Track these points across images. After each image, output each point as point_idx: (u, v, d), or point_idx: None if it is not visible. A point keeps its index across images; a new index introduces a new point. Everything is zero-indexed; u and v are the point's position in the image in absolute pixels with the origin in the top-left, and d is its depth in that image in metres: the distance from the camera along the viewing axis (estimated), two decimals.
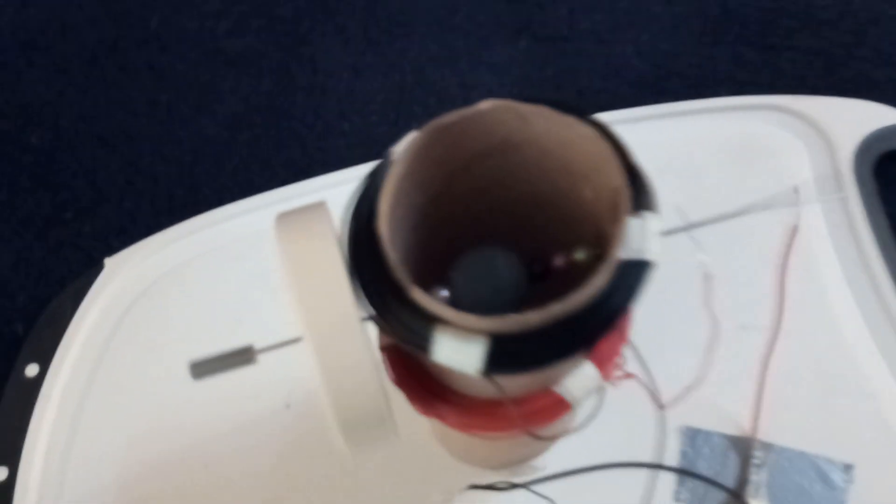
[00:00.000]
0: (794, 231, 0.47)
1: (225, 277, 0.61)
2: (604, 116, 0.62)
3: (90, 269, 0.63)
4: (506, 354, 0.32)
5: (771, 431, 0.52)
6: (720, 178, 0.62)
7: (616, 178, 0.35)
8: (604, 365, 0.40)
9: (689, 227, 0.44)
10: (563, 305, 0.31)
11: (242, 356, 0.36)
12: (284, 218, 0.35)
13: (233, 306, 0.60)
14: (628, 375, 0.44)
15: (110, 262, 0.63)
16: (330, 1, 0.77)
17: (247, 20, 0.76)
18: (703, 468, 0.52)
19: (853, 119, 0.64)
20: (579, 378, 0.40)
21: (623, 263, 0.33)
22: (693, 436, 0.53)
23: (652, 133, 0.64)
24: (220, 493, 0.54)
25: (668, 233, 0.41)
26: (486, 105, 0.37)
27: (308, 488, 0.54)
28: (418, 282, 0.35)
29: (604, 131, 0.36)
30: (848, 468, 0.51)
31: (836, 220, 0.59)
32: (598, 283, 0.32)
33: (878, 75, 0.66)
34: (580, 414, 0.44)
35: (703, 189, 0.61)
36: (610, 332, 0.33)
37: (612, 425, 0.49)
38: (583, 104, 0.61)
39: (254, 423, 0.56)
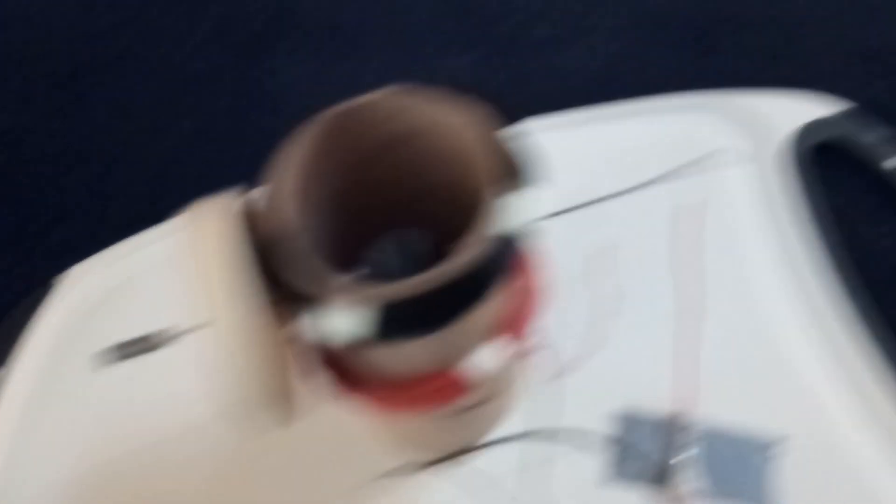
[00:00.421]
0: (704, 205, 0.50)
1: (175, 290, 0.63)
2: (553, 119, 0.66)
3: (44, 287, 0.63)
4: (391, 321, 0.35)
5: (701, 410, 0.54)
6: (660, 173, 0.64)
7: (487, 159, 0.38)
8: (513, 341, 0.42)
9: (598, 201, 0.47)
10: (434, 275, 0.34)
11: (142, 344, 0.39)
12: (190, 211, 0.37)
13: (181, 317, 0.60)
14: (531, 352, 0.46)
15: (63, 279, 0.64)
16: (290, 19, 0.81)
17: (209, 39, 0.80)
18: (637, 451, 0.53)
19: (788, 111, 0.67)
20: (481, 357, 0.42)
21: (496, 238, 0.36)
22: (629, 418, 0.54)
23: (600, 133, 0.68)
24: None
25: (577, 208, 0.44)
26: (378, 94, 0.40)
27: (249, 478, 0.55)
28: (343, 261, 0.38)
29: (482, 118, 0.39)
30: (776, 443, 0.52)
31: (765, 208, 0.62)
32: (465, 256, 0.35)
33: (813, 69, 0.69)
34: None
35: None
36: (482, 300, 0.36)
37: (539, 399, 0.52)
38: (533, 107, 0.64)
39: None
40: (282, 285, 0.36)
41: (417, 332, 0.36)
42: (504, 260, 0.36)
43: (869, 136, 0.64)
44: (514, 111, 0.39)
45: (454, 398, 0.42)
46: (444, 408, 0.43)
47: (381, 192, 0.44)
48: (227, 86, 0.77)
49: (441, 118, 0.40)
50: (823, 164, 0.64)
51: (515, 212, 0.36)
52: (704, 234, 0.60)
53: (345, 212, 0.44)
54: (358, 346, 0.36)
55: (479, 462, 0.53)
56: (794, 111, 0.67)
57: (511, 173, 0.37)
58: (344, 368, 0.42)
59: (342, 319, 0.34)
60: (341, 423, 0.52)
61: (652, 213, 0.60)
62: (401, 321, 0.35)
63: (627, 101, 0.69)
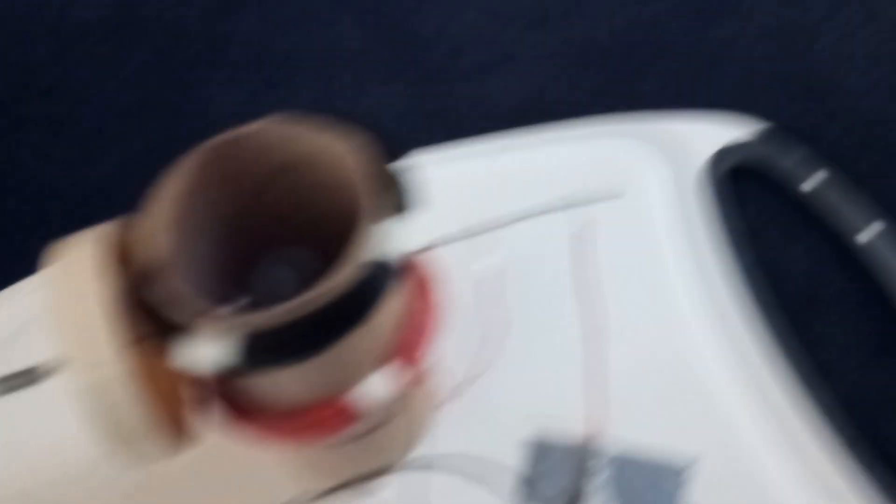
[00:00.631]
0: (578, 239, 0.51)
1: None
2: (475, 146, 0.67)
3: None
4: (258, 350, 0.35)
5: (612, 434, 0.54)
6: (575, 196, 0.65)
7: (369, 186, 0.39)
8: (406, 367, 0.43)
9: (504, 224, 0.48)
10: (299, 303, 0.35)
11: (25, 377, 0.39)
12: (62, 244, 0.38)
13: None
14: (422, 380, 0.46)
15: None
16: (220, 52, 0.82)
17: (140, 71, 0.81)
18: (545, 479, 0.53)
19: (705, 134, 0.69)
20: (370, 386, 0.42)
21: (370, 262, 0.37)
22: (537, 446, 0.53)
23: (522, 160, 0.69)
24: None
25: (477, 233, 0.45)
26: (255, 126, 0.41)
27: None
28: (227, 291, 0.39)
29: (361, 145, 0.40)
30: (686, 467, 0.53)
31: (681, 231, 0.63)
32: (335, 282, 0.35)
33: (731, 95, 0.71)
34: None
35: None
36: (356, 327, 0.36)
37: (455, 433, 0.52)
38: (457, 134, 0.66)
39: None
40: (154, 316, 0.36)
41: (290, 359, 0.36)
42: (382, 284, 0.37)
43: (786, 159, 0.66)
44: (398, 141, 0.39)
45: (345, 426, 0.42)
46: (336, 435, 0.43)
47: (274, 219, 0.45)
48: (159, 116, 0.78)
49: (325, 147, 0.41)
50: (744, 185, 0.66)
51: (393, 237, 0.37)
52: (617, 255, 0.61)
53: (236, 239, 0.44)
54: (229, 375, 0.36)
55: (383, 491, 0.53)
56: (713, 134, 0.68)
57: (392, 199, 0.38)
58: (232, 398, 0.43)
59: (206, 349, 0.35)
60: (237, 453, 0.51)
61: (561, 236, 0.61)
62: (270, 349, 0.36)
63: (551, 128, 0.70)
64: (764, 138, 0.67)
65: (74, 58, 0.83)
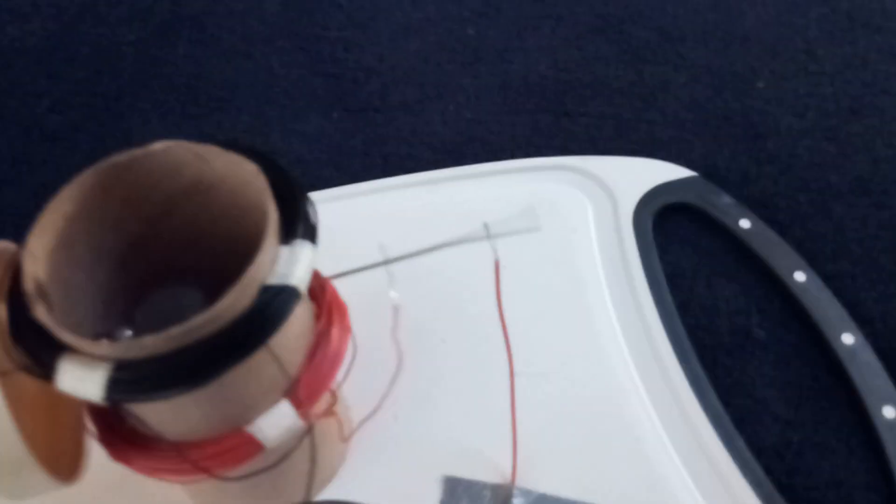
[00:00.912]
0: (497, 267, 0.50)
1: None
2: (406, 178, 0.66)
3: None
4: (132, 381, 0.34)
5: (532, 477, 0.53)
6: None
7: (265, 206, 0.37)
8: (307, 403, 0.41)
9: (390, 261, 0.47)
10: (182, 328, 0.33)
11: None
12: None
13: None
14: (329, 413, 0.45)
15: None
16: (154, 79, 0.81)
17: (68, 97, 0.79)
18: None
19: (635, 175, 0.69)
20: (274, 417, 0.41)
21: (269, 288, 0.35)
22: (453, 486, 0.52)
23: (452, 194, 0.69)
24: None
25: (367, 267, 0.44)
26: (159, 145, 0.39)
27: None
28: (114, 323, 0.37)
29: (268, 166, 0.39)
30: None
31: (613, 266, 0.63)
32: (222, 305, 0.34)
33: (663, 136, 0.71)
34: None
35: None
36: (249, 355, 0.35)
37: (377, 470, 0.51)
38: (388, 168, 0.64)
39: None
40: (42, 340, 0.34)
41: (178, 388, 0.34)
42: (282, 310, 0.35)
43: (719, 200, 0.67)
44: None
45: (248, 457, 0.41)
46: (239, 468, 0.41)
47: (179, 246, 0.44)
48: (86, 140, 0.77)
49: (233, 168, 0.40)
50: (681, 224, 0.66)
51: (296, 262, 0.36)
52: (543, 289, 0.61)
53: (138, 266, 0.43)
54: (115, 403, 0.34)
55: None
56: (645, 174, 0.69)
57: (298, 223, 0.37)
58: (130, 427, 0.41)
59: (76, 379, 0.33)
60: (134, 487, 0.49)
61: (485, 266, 0.59)
62: (147, 378, 0.34)
63: (480, 164, 0.69)
64: (697, 179, 0.67)
65: (6, 78, 0.80)
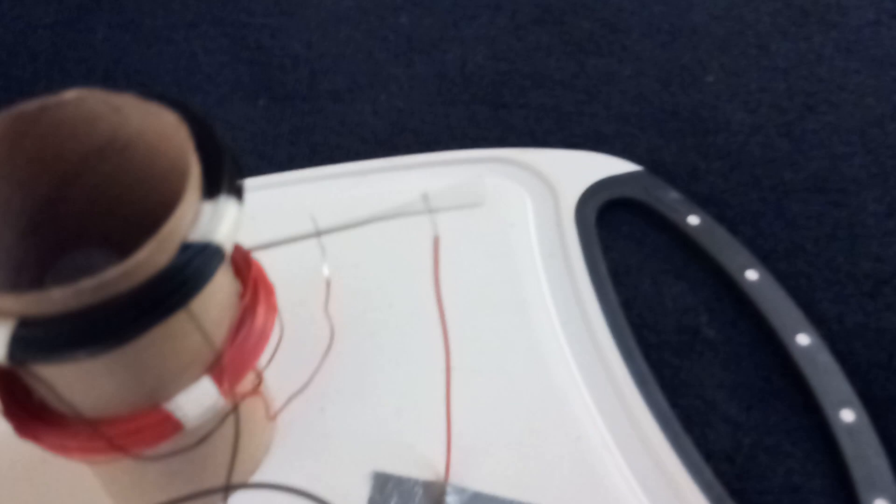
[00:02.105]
0: (436, 242, 0.47)
1: None
2: (335, 169, 0.63)
3: None
4: (37, 339, 0.31)
5: (467, 475, 0.51)
6: (447, 220, 0.62)
7: (186, 163, 0.35)
8: (230, 381, 0.39)
9: (320, 233, 0.44)
10: (93, 281, 0.31)
11: None
12: None
13: None
14: (254, 392, 0.42)
15: None
16: (69, 63, 0.78)
17: None
18: None
19: (578, 169, 0.67)
20: (195, 394, 0.38)
21: (187, 246, 0.33)
22: (383, 482, 0.51)
23: (382, 184, 0.66)
24: None
25: (298, 238, 0.41)
26: (71, 94, 0.37)
27: None
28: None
29: (190, 119, 0.36)
30: None
31: (554, 262, 0.61)
32: (138, 258, 0.31)
33: (607, 130, 0.69)
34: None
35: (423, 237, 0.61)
36: (167, 316, 0.32)
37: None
38: (316, 158, 0.61)
39: None
40: None
41: (86, 348, 0.32)
42: (203, 271, 0.33)
43: (664, 195, 0.65)
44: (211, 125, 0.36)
45: (166, 436, 0.38)
46: (157, 447, 0.39)
47: (90, 210, 0.41)
48: None
49: (152, 120, 0.37)
50: (627, 219, 0.64)
51: (219, 221, 0.34)
52: (479, 280, 0.59)
53: (49, 232, 0.40)
54: (17, 365, 0.31)
55: None
56: (584, 170, 0.67)
57: (221, 179, 0.35)
58: (32, 403, 0.38)
59: None
60: (37, 469, 0.48)
61: (422, 240, 0.56)
62: (55, 337, 0.31)
63: (413, 155, 0.67)
64: (643, 174, 0.65)
65: None
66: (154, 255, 0.31)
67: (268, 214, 0.45)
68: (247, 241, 0.38)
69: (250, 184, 0.66)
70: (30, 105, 0.37)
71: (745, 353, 0.56)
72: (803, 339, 0.56)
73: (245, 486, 0.47)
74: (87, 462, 0.42)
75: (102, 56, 0.79)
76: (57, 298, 0.30)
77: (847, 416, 0.52)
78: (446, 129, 0.70)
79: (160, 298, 0.32)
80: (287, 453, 0.51)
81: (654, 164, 0.66)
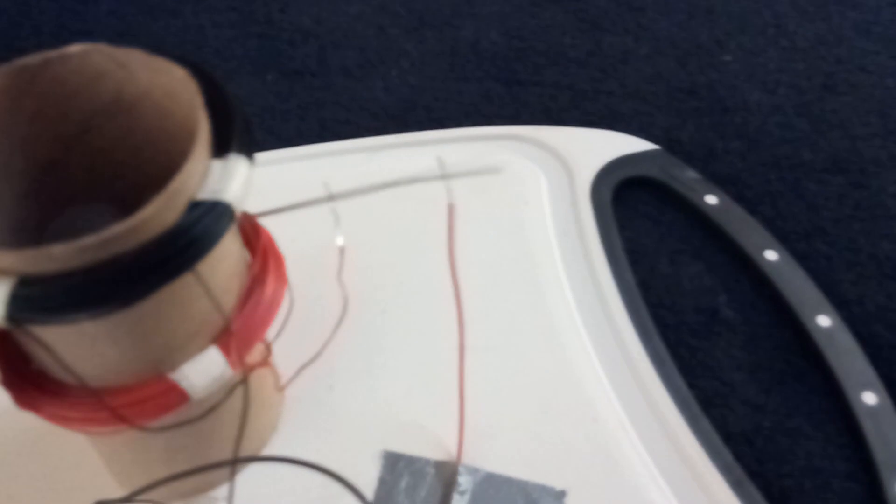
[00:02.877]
0: (450, 209, 0.45)
1: None
2: (346, 144, 0.61)
3: None
4: (38, 298, 0.29)
5: (479, 455, 0.49)
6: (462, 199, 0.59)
7: (194, 120, 0.33)
8: (238, 351, 0.37)
9: (333, 198, 0.42)
10: (96, 237, 0.29)
11: None
12: None
13: None
14: (263, 363, 0.40)
15: None
16: (73, 35, 0.78)
17: None
18: (402, 496, 0.48)
19: (593, 147, 0.65)
20: (201, 364, 0.37)
21: (196, 204, 0.31)
22: (394, 461, 0.49)
23: (394, 161, 0.65)
24: None
25: (311, 203, 0.39)
26: (75, 48, 0.35)
27: None
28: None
29: (198, 74, 0.35)
30: (560, 495, 0.47)
31: (569, 240, 0.59)
32: (144, 214, 0.29)
33: (623, 108, 0.67)
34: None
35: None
36: (174, 277, 0.31)
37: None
38: (325, 134, 0.60)
39: None
40: None
41: (84, 310, 0.30)
42: (212, 231, 0.31)
43: (676, 177, 0.63)
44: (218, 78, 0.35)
45: (172, 406, 0.37)
46: (162, 418, 0.37)
47: (97, 175, 0.40)
48: None
49: (161, 75, 0.36)
50: (645, 199, 0.63)
51: (229, 180, 0.32)
52: (487, 263, 0.57)
53: (51, 194, 0.39)
54: (19, 325, 0.30)
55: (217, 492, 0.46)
56: (600, 148, 0.65)
57: (231, 136, 0.33)
58: (30, 371, 0.36)
59: None
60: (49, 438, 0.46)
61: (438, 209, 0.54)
62: (56, 296, 0.30)
63: (425, 132, 0.65)
64: (660, 153, 0.64)
65: None
66: (161, 212, 0.30)
67: (276, 187, 0.43)
68: (256, 208, 0.36)
69: (258, 158, 0.64)
70: (32, 59, 0.35)
71: (764, 334, 0.54)
72: (824, 321, 0.54)
73: (255, 458, 0.45)
74: (88, 433, 0.40)
75: (107, 29, 0.78)
76: (58, 255, 0.28)
77: (869, 398, 0.50)
78: (459, 106, 0.68)
79: (167, 258, 0.30)
80: (294, 430, 0.49)
81: (670, 144, 0.64)
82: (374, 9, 0.77)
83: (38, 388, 0.36)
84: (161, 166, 0.38)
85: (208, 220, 0.31)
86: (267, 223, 0.40)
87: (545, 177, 0.63)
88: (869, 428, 0.50)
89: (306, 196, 0.42)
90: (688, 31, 0.73)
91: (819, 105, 0.67)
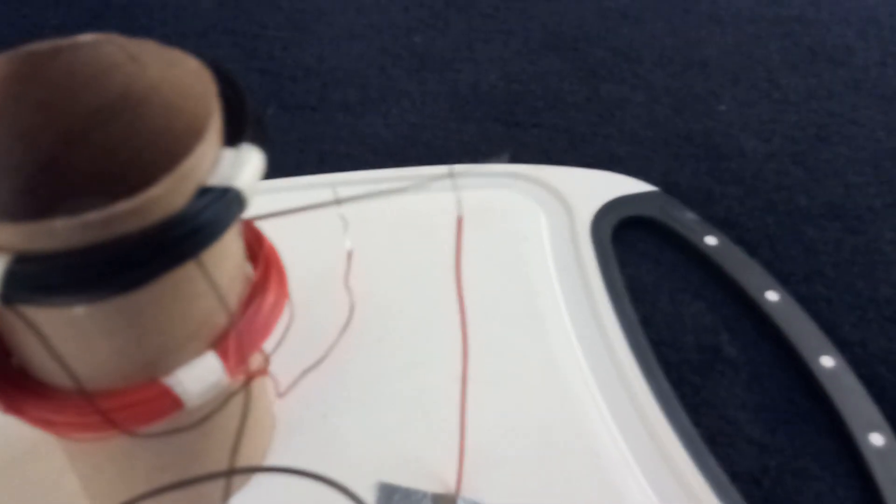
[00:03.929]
0: (459, 222, 0.42)
1: None
2: (344, 176, 0.58)
3: None
4: (36, 275, 0.26)
5: (479, 488, 0.45)
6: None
7: (207, 107, 0.30)
8: (236, 358, 0.34)
9: (341, 201, 0.38)
10: (100, 214, 0.26)
11: None
12: None
13: None
14: (261, 372, 0.36)
15: None
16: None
17: None
18: None
19: (593, 187, 0.63)
20: (197, 369, 0.33)
21: (206, 190, 0.29)
22: (389, 493, 0.44)
23: (392, 196, 0.60)
24: None
25: (318, 206, 0.36)
26: (87, 37, 0.32)
27: None
28: None
29: (212, 65, 0.32)
30: None
31: (570, 276, 0.56)
32: (151, 194, 0.27)
33: (621, 151, 0.65)
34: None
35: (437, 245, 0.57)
36: (180, 263, 0.28)
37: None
38: (324, 167, 0.58)
39: None
40: None
41: (83, 290, 0.27)
42: (218, 221, 0.28)
43: (675, 217, 0.61)
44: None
45: (166, 412, 0.33)
46: (155, 424, 0.33)
47: (99, 175, 0.37)
48: None
49: (173, 67, 0.33)
50: (646, 239, 0.60)
51: (239, 169, 0.29)
52: (486, 298, 0.54)
53: (49, 193, 0.36)
54: (4, 304, 0.27)
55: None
56: (599, 188, 0.63)
57: (244, 124, 0.31)
58: (11, 370, 0.33)
59: None
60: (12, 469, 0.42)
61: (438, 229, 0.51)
62: (55, 274, 0.26)
63: (425, 167, 0.62)
64: (659, 194, 0.62)
65: None
66: (169, 193, 0.27)
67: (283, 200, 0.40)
68: (262, 210, 0.32)
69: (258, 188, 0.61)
70: (42, 45, 0.32)
71: (767, 373, 0.50)
72: (827, 361, 0.50)
73: (253, 469, 0.40)
74: (73, 440, 0.35)
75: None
76: (59, 231, 0.25)
77: (876, 439, 0.47)
78: (458, 144, 0.65)
79: (173, 243, 0.27)
80: (288, 452, 0.46)
81: (668, 186, 0.61)
82: (377, 50, 0.74)
83: (21, 388, 0.33)
84: (164, 170, 0.34)
85: (217, 207, 0.28)
86: (271, 227, 0.37)
87: (545, 214, 0.60)
88: (878, 469, 0.46)
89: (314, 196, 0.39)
90: (683, 81, 0.71)
91: (813, 154, 0.65)
